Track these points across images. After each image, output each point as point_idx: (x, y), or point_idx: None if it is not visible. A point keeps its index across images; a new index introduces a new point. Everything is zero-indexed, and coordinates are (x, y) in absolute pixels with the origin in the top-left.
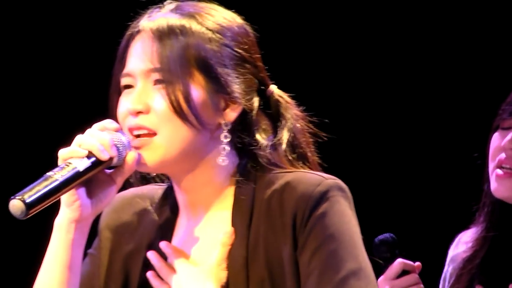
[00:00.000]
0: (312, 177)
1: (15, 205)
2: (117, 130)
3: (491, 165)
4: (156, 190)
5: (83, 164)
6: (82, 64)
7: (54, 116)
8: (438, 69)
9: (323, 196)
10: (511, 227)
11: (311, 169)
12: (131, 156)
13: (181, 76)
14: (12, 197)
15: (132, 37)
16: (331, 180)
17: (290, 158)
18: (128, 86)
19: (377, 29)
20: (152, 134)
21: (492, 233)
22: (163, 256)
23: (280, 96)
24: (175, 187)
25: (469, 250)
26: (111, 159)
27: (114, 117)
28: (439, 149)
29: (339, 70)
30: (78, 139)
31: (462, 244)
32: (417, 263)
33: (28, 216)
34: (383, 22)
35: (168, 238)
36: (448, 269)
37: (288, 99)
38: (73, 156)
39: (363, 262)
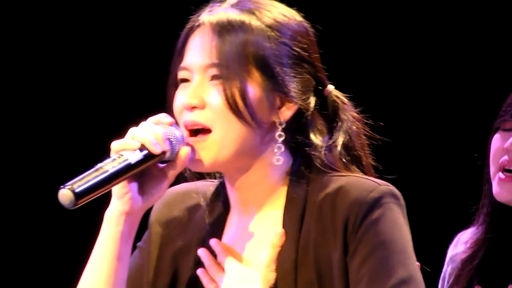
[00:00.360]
0: (366, 183)
1: (64, 195)
2: (171, 124)
3: (493, 168)
4: (208, 186)
5: (135, 156)
6: (142, 56)
7: (111, 107)
8: (436, 70)
9: (376, 202)
10: (510, 229)
11: (365, 172)
12: (184, 151)
13: (239, 72)
14: (62, 186)
15: (191, 30)
16: (385, 186)
17: (344, 160)
18: (185, 80)
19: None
20: (207, 130)
21: (491, 234)
22: (213, 254)
23: (337, 97)
24: (228, 185)
25: (468, 251)
26: (163, 153)
27: (170, 110)
28: (438, 149)
29: (398, 72)
30: (132, 131)
31: (461, 244)
32: (416, 263)
33: (77, 206)
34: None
35: (219, 235)
36: (447, 269)
37: (345, 100)
38: (125, 148)
39: (413, 270)
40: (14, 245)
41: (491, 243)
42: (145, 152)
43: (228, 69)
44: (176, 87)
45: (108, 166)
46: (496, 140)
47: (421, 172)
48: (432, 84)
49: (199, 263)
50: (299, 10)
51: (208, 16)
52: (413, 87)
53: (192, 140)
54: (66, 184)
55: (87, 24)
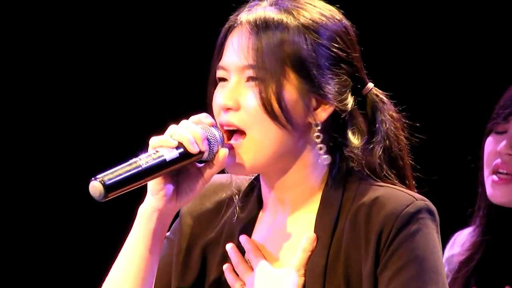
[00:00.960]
0: (402, 196)
1: (95, 187)
2: (212, 125)
3: (487, 171)
4: (242, 180)
5: (171, 154)
6: (189, 54)
7: (155, 103)
8: (428, 72)
9: (412, 217)
10: (506, 230)
11: (402, 175)
12: (222, 153)
13: (274, 74)
14: (93, 178)
15: (230, 29)
16: (421, 201)
17: (382, 164)
18: (223, 79)
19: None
20: (242, 132)
21: (488, 236)
22: (242, 250)
23: (377, 96)
24: (264, 184)
25: (465, 253)
26: (201, 153)
27: (210, 108)
28: (433, 151)
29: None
30: (171, 129)
31: (458, 246)
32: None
33: (107, 199)
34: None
35: (249, 232)
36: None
37: (385, 99)
38: (163, 145)
39: None
40: (46, 238)
41: (488, 245)
42: (182, 150)
43: (265, 71)
44: (215, 85)
45: (142, 161)
46: (489, 143)
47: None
48: (424, 86)
49: (226, 259)
50: (340, 7)
51: (246, 15)
52: (405, 89)
53: (231, 143)
54: (97, 176)
55: (127, 23)
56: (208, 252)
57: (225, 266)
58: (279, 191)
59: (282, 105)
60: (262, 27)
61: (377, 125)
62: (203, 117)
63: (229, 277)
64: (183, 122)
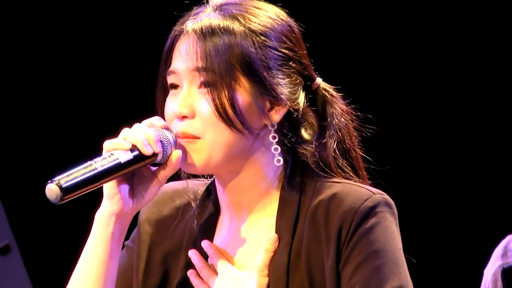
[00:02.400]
0: (360, 191)
1: (51, 189)
2: (164, 128)
3: None
4: (198, 185)
5: (125, 156)
6: (139, 59)
7: (106, 108)
8: (378, 62)
9: (370, 211)
10: None
11: (355, 168)
12: (175, 155)
13: (226, 80)
14: (49, 181)
15: (176, 38)
16: (379, 195)
17: (337, 159)
18: (174, 86)
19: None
20: (197, 138)
21: None
22: (204, 255)
23: (326, 90)
24: (219, 187)
25: None
26: (154, 155)
27: (159, 115)
28: (384, 142)
29: (386, 63)
30: (124, 132)
31: None
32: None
33: (63, 202)
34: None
35: (210, 237)
36: (499, 284)
37: (334, 93)
38: (117, 148)
39: (405, 280)
40: (82, 241)
41: None
42: (136, 153)
43: (215, 73)
44: (164, 93)
45: (98, 164)
46: None
47: (463, 175)
48: (370, 76)
49: (189, 264)
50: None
51: (192, 24)
52: (352, 82)
53: (183, 141)
54: (54, 179)
55: (82, 26)
56: (170, 258)
57: (189, 272)
58: (235, 194)
59: (237, 111)
60: (208, 34)
61: (328, 119)
62: (156, 120)
63: (194, 281)
64: (136, 125)
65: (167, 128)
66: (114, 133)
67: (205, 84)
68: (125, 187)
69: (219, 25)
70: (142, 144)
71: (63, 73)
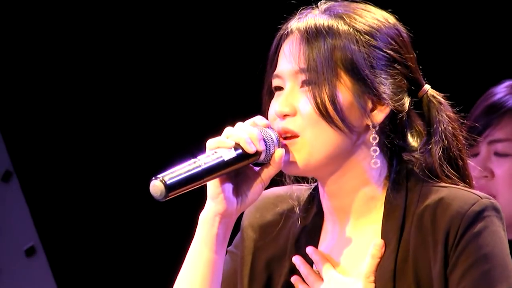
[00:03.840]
0: (467, 195)
1: (156, 186)
2: (267, 127)
3: None
4: (302, 190)
5: (229, 154)
6: (241, 60)
7: (212, 108)
8: (487, 72)
9: (478, 216)
10: None
11: (461, 176)
12: (278, 153)
13: (328, 78)
14: (154, 177)
15: (282, 38)
16: (486, 199)
17: (443, 165)
18: (279, 88)
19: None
20: (297, 136)
21: None
22: (309, 261)
23: (433, 97)
24: (321, 191)
25: None
26: (258, 153)
27: (266, 118)
28: None
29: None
30: (228, 130)
31: None
32: None
33: (167, 199)
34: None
35: (315, 243)
36: None
37: (442, 100)
38: (220, 146)
39: None
40: (107, 243)
41: None
42: (239, 151)
43: (317, 74)
44: (270, 95)
45: (201, 162)
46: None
47: None
48: (480, 86)
49: (293, 270)
50: (394, 12)
51: (297, 24)
52: (463, 90)
53: (285, 142)
54: (158, 176)
55: (177, 30)
56: (274, 264)
57: (294, 278)
58: (338, 198)
59: (337, 108)
60: (312, 33)
61: (434, 126)
62: (258, 119)
63: (300, 287)
64: (239, 123)
65: (270, 127)
66: (217, 132)
67: (306, 82)
68: (229, 187)
69: (323, 24)
70: (245, 142)
71: (172, 72)
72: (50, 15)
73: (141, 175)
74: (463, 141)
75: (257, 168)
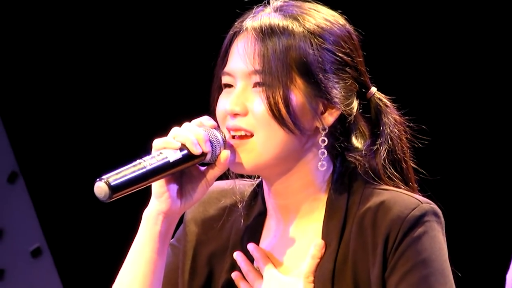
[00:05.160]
0: (408, 200)
1: (100, 187)
2: (213, 128)
3: None
4: (245, 186)
5: (174, 155)
6: (191, 57)
7: (157, 107)
8: (433, 74)
9: (418, 221)
10: None
11: (405, 178)
12: (224, 155)
13: (282, 80)
14: (98, 178)
15: (235, 36)
16: (427, 204)
17: (387, 168)
18: (228, 85)
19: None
20: (249, 135)
21: None
22: (250, 258)
23: (380, 99)
24: (266, 190)
25: None
26: (203, 154)
27: (214, 112)
28: (435, 153)
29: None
30: (174, 131)
31: None
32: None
33: (112, 200)
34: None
35: (256, 240)
36: None
37: (388, 103)
38: (166, 147)
39: None
40: (113, 244)
41: None
42: (185, 152)
43: (271, 76)
44: (219, 91)
45: (147, 163)
46: None
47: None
48: (425, 88)
49: (234, 266)
50: (343, 12)
51: (251, 22)
52: (406, 92)
53: (234, 142)
54: (103, 177)
55: (136, 22)
56: (215, 258)
57: (235, 274)
58: (283, 198)
59: (290, 110)
60: (267, 33)
61: (381, 128)
62: (205, 119)
63: (241, 284)
64: (186, 124)
65: (217, 128)
66: (164, 132)
67: (260, 83)
68: (174, 186)
69: (278, 24)
70: (191, 143)
71: (117, 71)
72: (61, 21)
73: (84, 175)
74: (407, 144)
75: (202, 168)
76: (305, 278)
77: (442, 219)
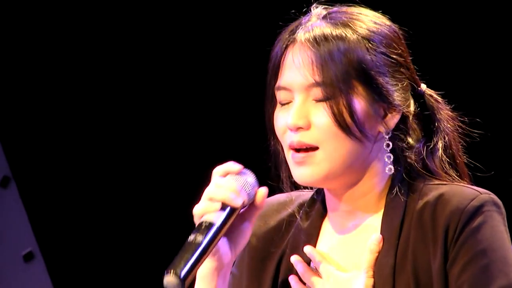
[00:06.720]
0: (466, 191)
1: (171, 281)
2: (239, 171)
3: None
4: (302, 195)
5: (220, 217)
6: (189, 58)
7: (151, 113)
8: (480, 70)
9: (477, 211)
10: None
11: (460, 171)
12: (261, 193)
13: (343, 89)
14: (166, 271)
15: (286, 47)
16: (486, 194)
17: (444, 164)
18: (285, 99)
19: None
20: (314, 149)
21: None
22: (307, 261)
23: (431, 96)
24: (329, 195)
25: None
26: (243, 203)
27: (269, 128)
28: (489, 148)
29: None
30: (208, 192)
31: None
32: None
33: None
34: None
35: (313, 242)
36: None
37: (439, 98)
38: (207, 211)
39: None
40: (105, 248)
41: None
42: (228, 209)
43: (333, 88)
44: (272, 104)
45: (199, 238)
46: None
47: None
48: (471, 83)
49: (291, 270)
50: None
51: (303, 33)
52: (453, 87)
53: (299, 157)
54: (170, 269)
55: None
56: (277, 267)
57: (291, 277)
58: (349, 203)
59: (355, 119)
60: (322, 43)
61: (436, 124)
62: (229, 166)
63: (295, 286)
64: (215, 181)
65: (243, 170)
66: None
67: (321, 95)
68: (223, 242)
69: (331, 33)
70: (230, 200)
71: (109, 76)
72: (58, 26)
73: (140, 181)
74: (460, 140)
75: (241, 211)
76: (364, 273)
77: (503, 209)
